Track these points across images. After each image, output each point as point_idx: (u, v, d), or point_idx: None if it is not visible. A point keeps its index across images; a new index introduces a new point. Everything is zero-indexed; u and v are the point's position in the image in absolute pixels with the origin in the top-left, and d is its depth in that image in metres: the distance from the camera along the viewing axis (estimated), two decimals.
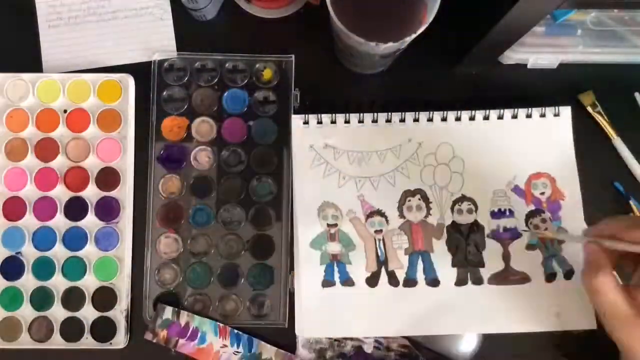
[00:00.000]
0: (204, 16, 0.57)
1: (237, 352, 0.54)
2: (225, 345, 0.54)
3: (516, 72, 0.58)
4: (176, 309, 0.54)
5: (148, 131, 0.56)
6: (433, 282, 0.54)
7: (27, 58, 0.58)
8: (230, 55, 0.57)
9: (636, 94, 0.57)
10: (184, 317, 0.54)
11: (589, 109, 0.56)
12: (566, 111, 0.56)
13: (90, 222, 0.56)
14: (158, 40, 0.58)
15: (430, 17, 0.44)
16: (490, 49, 0.53)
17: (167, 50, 0.57)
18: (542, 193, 0.55)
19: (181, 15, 0.58)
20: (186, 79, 0.57)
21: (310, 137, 0.56)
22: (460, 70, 0.57)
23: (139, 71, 0.57)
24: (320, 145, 0.56)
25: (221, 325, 0.54)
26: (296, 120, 0.56)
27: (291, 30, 0.58)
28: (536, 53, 0.56)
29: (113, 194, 0.56)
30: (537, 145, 0.56)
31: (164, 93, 0.57)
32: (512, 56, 0.56)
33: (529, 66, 0.57)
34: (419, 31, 0.44)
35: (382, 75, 0.58)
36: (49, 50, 0.58)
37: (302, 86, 0.56)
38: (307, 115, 0.56)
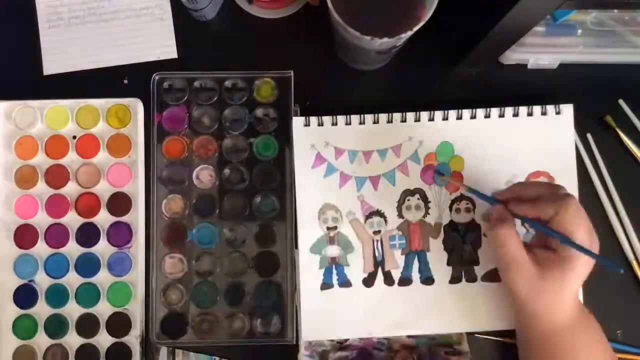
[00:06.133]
0: (204, 16, 0.57)
1: None
2: None
3: (516, 73, 0.57)
4: (170, 347, 0.53)
5: (149, 151, 0.56)
6: (427, 280, 0.55)
7: (27, 58, 0.58)
8: (229, 73, 0.56)
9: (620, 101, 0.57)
10: (179, 356, 0.53)
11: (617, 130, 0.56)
12: (568, 109, 0.55)
13: (103, 247, 0.55)
14: (158, 41, 0.58)
15: (427, 16, 0.43)
16: (490, 49, 0.53)
17: (167, 51, 0.58)
18: None
19: (181, 15, 0.58)
20: (185, 98, 0.56)
21: (312, 136, 0.55)
22: (461, 70, 0.57)
23: (139, 72, 0.57)
24: (321, 144, 0.55)
25: (217, 358, 0.53)
26: (297, 121, 0.56)
27: (291, 31, 0.58)
28: (536, 53, 0.56)
29: (125, 219, 0.56)
30: (537, 143, 0.55)
31: (164, 113, 0.56)
32: (512, 56, 0.56)
33: (529, 66, 0.57)
34: (415, 29, 0.44)
35: (382, 75, 0.58)
36: (49, 50, 0.58)
37: (302, 86, 0.56)
38: (308, 118, 0.55)
